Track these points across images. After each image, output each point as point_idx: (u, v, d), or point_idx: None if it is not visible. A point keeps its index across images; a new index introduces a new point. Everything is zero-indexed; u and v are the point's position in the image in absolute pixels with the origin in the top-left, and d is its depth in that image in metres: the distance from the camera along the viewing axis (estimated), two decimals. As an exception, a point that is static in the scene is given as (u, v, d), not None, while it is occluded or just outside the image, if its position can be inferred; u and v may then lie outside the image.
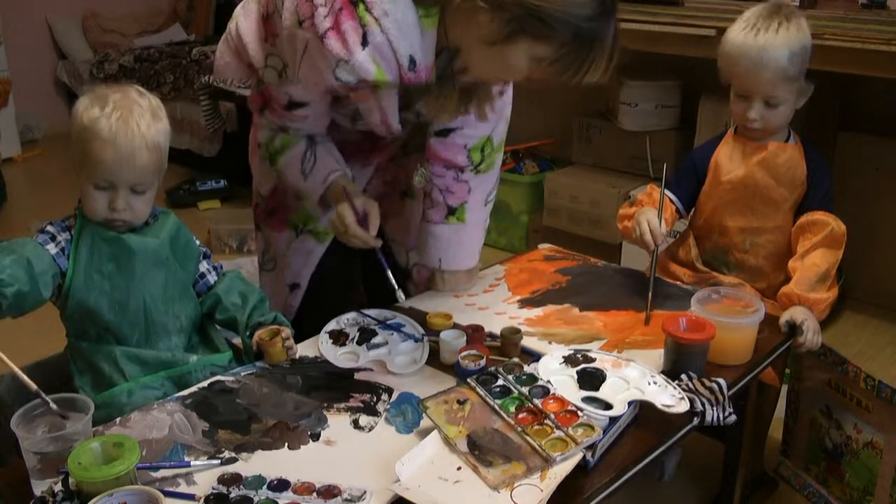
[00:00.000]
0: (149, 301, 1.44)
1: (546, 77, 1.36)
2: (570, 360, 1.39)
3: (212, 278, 1.56)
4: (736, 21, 1.76)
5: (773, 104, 1.74)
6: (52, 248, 1.40)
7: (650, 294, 1.70)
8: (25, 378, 1.21)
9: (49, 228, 1.42)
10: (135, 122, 1.37)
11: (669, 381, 1.33)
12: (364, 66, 1.35)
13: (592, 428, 1.19)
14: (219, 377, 1.44)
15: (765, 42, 1.68)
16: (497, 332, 1.55)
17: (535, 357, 1.45)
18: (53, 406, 1.19)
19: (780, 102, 1.74)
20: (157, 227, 1.47)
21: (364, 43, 1.34)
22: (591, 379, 1.33)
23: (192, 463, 1.21)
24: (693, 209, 1.93)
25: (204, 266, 1.56)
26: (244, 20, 1.62)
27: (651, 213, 1.77)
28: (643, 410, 1.31)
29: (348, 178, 1.64)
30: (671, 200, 1.89)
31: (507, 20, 1.29)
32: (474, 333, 1.53)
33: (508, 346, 1.51)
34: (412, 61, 1.38)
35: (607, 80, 1.37)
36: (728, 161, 1.84)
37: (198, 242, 1.56)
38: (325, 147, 1.64)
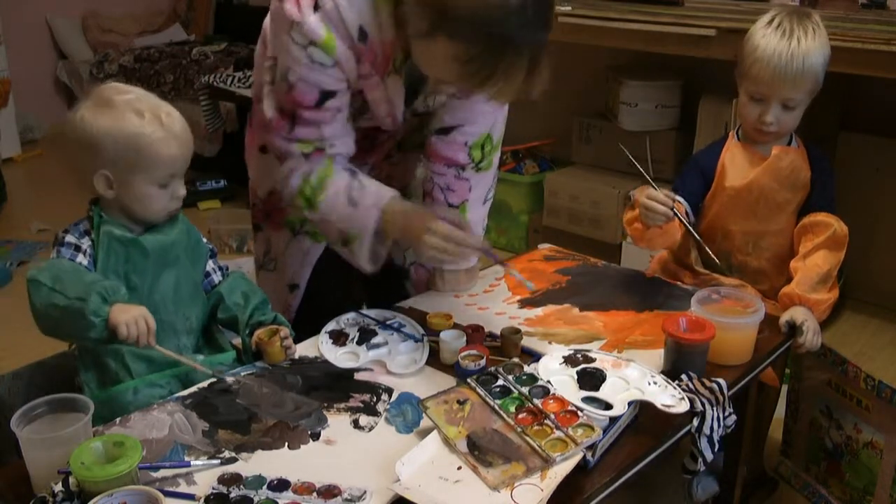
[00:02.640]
0: (160, 301, 1.43)
1: (460, 80, 1.36)
2: (570, 360, 1.39)
3: (216, 277, 1.55)
4: (760, 26, 1.72)
5: (791, 106, 1.72)
6: (83, 260, 1.38)
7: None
8: (194, 364, 1.41)
9: (69, 239, 1.39)
10: (173, 111, 1.41)
11: (669, 381, 1.33)
12: (314, 29, 1.39)
13: (592, 428, 1.19)
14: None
15: (808, 49, 1.66)
16: (497, 332, 1.55)
17: (535, 357, 1.45)
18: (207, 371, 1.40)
19: (798, 104, 1.72)
20: (170, 225, 1.47)
21: (316, 8, 1.39)
22: (591, 379, 1.33)
23: (192, 463, 1.21)
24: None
25: (210, 265, 1.55)
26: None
27: (647, 191, 1.73)
28: (643, 410, 1.31)
29: (401, 200, 1.57)
30: (679, 202, 1.88)
31: (425, 16, 1.30)
32: (474, 333, 1.53)
33: (508, 346, 1.51)
34: (362, 32, 1.41)
35: (535, 97, 1.34)
36: (732, 166, 1.82)
37: (205, 241, 1.56)
38: (366, 175, 1.60)
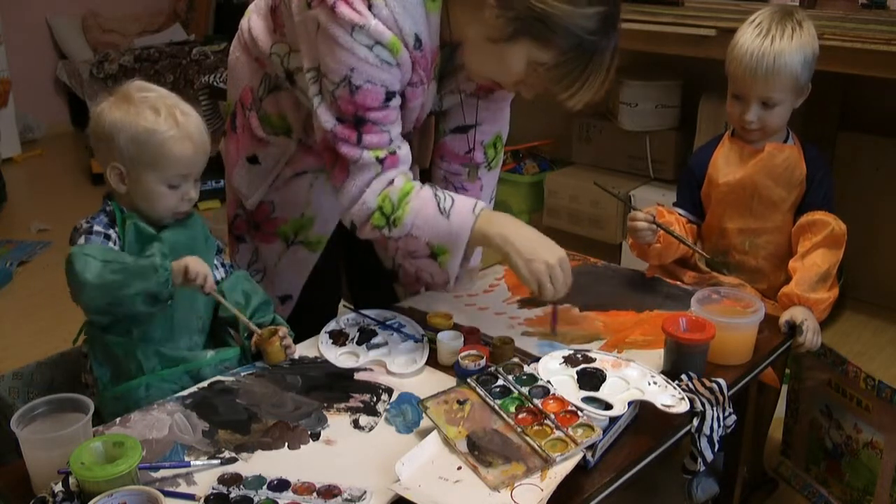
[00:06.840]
0: (176, 300, 1.41)
1: (541, 84, 1.38)
2: (570, 360, 1.39)
3: (219, 274, 1.54)
4: (745, 24, 1.74)
5: (771, 105, 1.73)
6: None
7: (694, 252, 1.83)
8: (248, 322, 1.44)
9: (98, 228, 1.38)
10: (191, 112, 1.42)
11: (669, 381, 1.33)
12: (380, 30, 1.36)
13: (592, 428, 1.19)
14: (219, 377, 1.44)
15: (781, 48, 1.67)
16: (498, 331, 1.55)
17: (534, 357, 1.45)
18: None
19: (778, 103, 1.73)
20: (187, 222, 1.47)
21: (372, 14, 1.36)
22: (591, 379, 1.33)
23: (192, 463, 1.21)
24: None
25: (215, 261, 1.55)
26: (255, 16, 1.63)
27: (631, 214, 1.80)
28: (643, 410, 1.31)
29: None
30: (681, 215, 1.89)
31: (511, 19, 1.30)
32: (470, 336, 1.52)
33: (499, 357, 1.45)
34: (418, 39, 1.40)
35: (600, 98, 1.38)
36: (725, 164, 1.83)
37: (214, 238, 1.56)
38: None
